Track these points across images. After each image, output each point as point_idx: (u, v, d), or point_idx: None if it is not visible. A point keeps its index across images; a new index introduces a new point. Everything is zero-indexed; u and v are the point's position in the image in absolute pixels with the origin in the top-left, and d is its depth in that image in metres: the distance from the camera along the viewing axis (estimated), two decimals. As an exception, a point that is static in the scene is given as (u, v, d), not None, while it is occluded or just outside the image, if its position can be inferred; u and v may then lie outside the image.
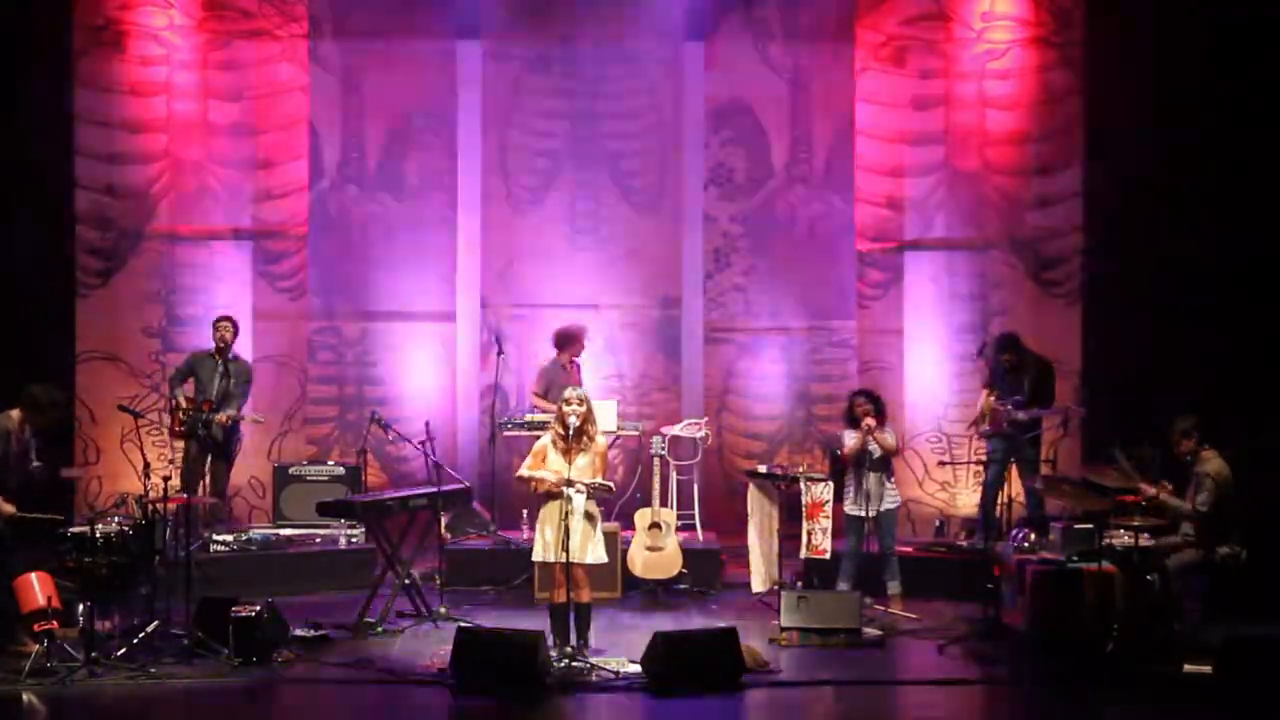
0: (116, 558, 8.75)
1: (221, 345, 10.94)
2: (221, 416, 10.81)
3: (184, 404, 10.80)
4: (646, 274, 12.59)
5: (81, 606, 8.59)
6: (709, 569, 10.76)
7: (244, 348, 11.65)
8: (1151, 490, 8.89)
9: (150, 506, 9.05)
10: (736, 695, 8.16)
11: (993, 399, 10.71)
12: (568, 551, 8.44)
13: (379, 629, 9.46)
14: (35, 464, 9.15)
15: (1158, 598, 8.70)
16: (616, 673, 8.36)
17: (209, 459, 10.86)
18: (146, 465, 9.17)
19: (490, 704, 7.99)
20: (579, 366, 11.53)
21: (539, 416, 11.04)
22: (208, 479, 10.83)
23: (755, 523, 10.39)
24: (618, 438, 11.35)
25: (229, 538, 10.67)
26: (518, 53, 12.55)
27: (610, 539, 9.40)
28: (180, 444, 10.88)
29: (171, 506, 9.15)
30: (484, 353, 12.39)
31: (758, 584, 10.31)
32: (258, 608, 8.63)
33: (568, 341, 11.47)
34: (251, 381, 11.14)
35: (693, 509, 11.08)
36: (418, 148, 12.55)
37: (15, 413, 9.06)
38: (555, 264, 12.58)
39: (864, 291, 12.44)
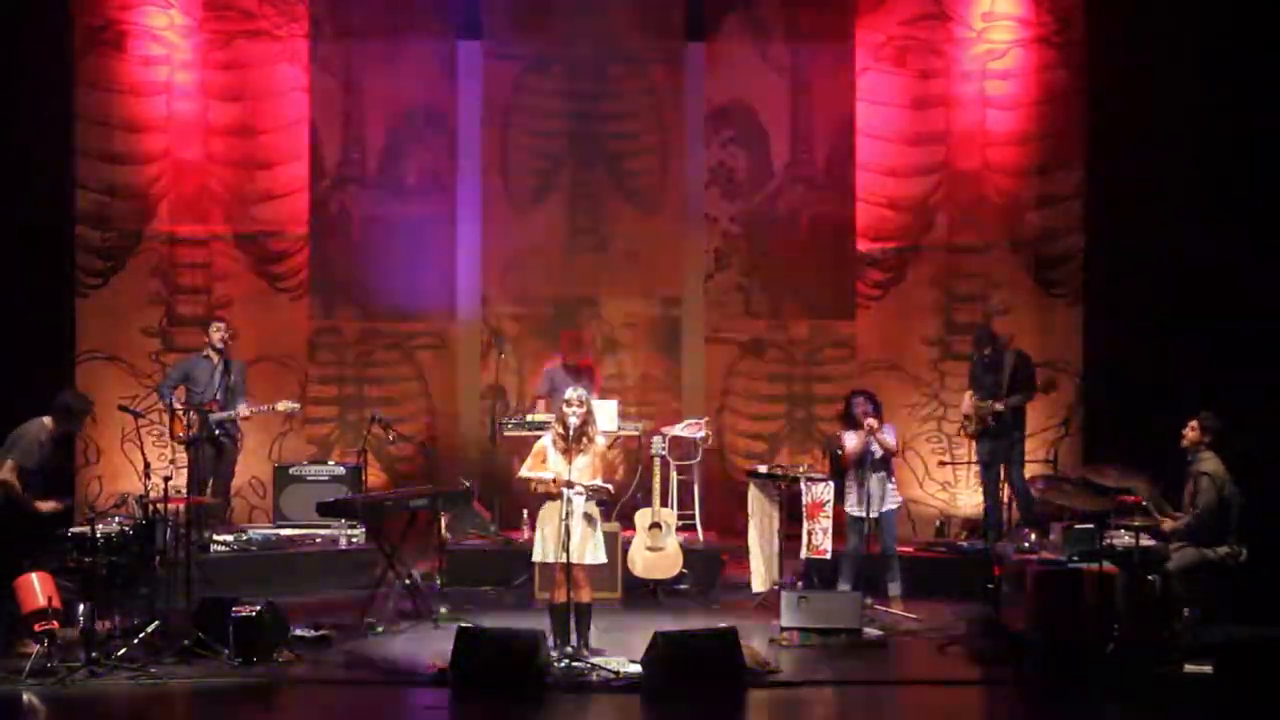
0: (116, 558, 8.76)
1: (222, 346, 10.94)
2: (244, 411, 10.85)
3: (179, 408, 10.78)
4: (646, 274, 12.59)
5: (81, 606, 8.58)
6: (709, 569, 10.76)
7: (244, 348, 11.66)
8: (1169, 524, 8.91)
9: (150, 506, 9.06)
10: (736, 695, 8.15)
11: (974, 398, 10.76)
12: (568, 552, 8.44)
13: (379, 629, 9.46)
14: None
15: (1158, 598, 8.70)
16: (616, 673, 8.36)
17: (218, 460, 10.87)
18: (147, 465, 9.18)
19: (490, 704, 7.99)
20: (585, 370, 11.52)
21: (539, 416, 11.05)
22: (212, 480, 10.85)
23: (755, 523, 10.39)
24: (618, 438, 11.35)
25: (229, 538, 10.68)
26: (518, 53, 12.55)
27: (610, 539, 9.40)
28: (183, 447, 10.84)
29: (172, 506, 9.16)
30: (484, 353, 12.39)
31: (758, 584, 10.31)
32: (258, 608, 8.63)
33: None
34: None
35: (693, 509, 11.07)
36: (418, 147, 12.55)
37: (47, 420, 9.29)
38: (555, 264, 12.59)
39: (864, 291, 12.44)
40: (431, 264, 12.50)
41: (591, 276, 12.58)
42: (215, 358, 10.94)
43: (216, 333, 10.96)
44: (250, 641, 8.52)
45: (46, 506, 9.28)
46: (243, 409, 10.93)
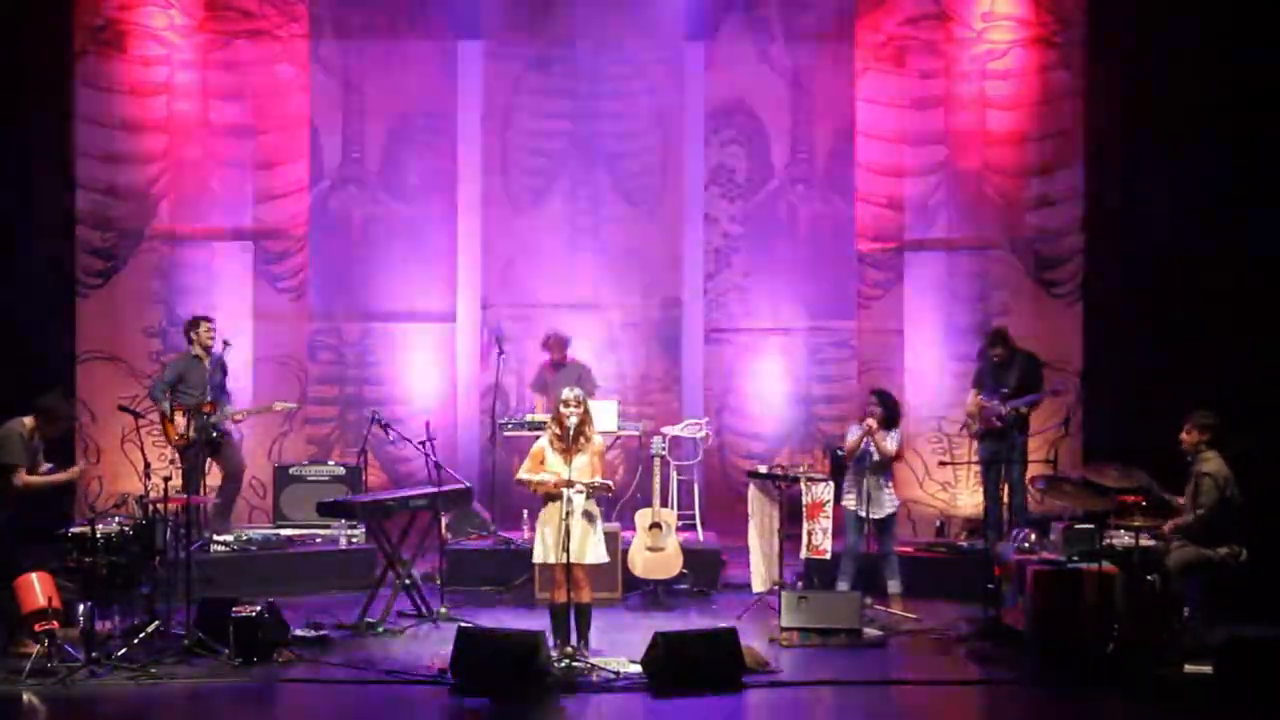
0: (116, 558, 8.76)
1: (210, 344, 10.90)
2: (238, 414, 10.86)
3: (174, 410, 10.75)
4: (646, 274, 12.60)
5: (81, 606, 8.59)
6: (709, 569, 10.75)
7: (244, 348, 11.66)
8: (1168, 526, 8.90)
9: (150, 506, 9.06)
10: (736, 695, 8.16)
11: (980, 397, 10.77)
12: (568, 552, 8.44)
13: (379, 629, 9.46)
14: (46, 466, 9.36)
15: (1158, 598, 8.69)
16: (617, 673, 8.36)
17: (218, 458, 10.87)
18: (147, 465, 9.18)
19: (490, 704, 7.99)
20: (569, 365, 11.51)
21: (539, 416, 11.06)
22: (222, 476, 10.87)
23: (755, 523, 10.38)
24: (618, 438, 11.35)
25: (229, 538, 10.68)
26: (518, 53, 12.57)
27: (610, 539, 9.40)
28: (179, 452, 10.81)
29: (172, 506, 9.16)
30: (484, 353, 12.39)
31: (758, 584, 10.31)
32: (258, 608, 8.64)
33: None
34: None
35: (693, 509, 11.08)
36: (418, 148, 12.56)
37: (28, 420, 9.27)
38: (555, 264, 12.60)
39: (864, 291, 12.45)
40: (431, 264, 12.51)
41: (591, 276, 12.59)
42: (205, 358, 10.91)
43: (206, 333, 10.91)
44: (250, 641, 8.53)
45: (61, 477, 9.38)
46: (237, 410, 10.92)
